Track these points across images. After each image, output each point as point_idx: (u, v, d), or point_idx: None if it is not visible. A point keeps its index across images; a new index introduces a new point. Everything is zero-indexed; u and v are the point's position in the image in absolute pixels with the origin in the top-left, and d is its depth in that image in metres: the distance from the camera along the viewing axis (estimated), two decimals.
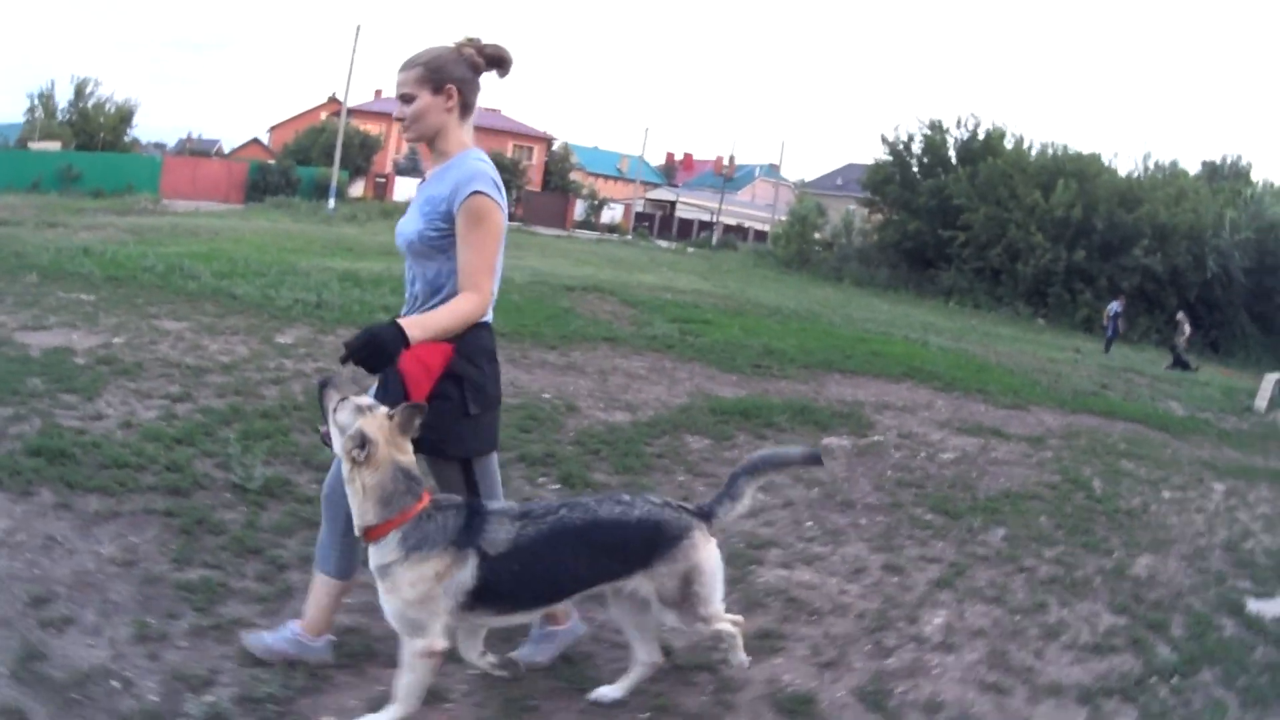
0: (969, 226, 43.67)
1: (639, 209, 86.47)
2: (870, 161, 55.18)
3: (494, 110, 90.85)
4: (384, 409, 3.99)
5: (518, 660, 4.51)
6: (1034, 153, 47.09)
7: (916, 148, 50.54)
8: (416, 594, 3.93)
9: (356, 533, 4.05)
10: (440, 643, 3.97)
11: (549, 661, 4.57)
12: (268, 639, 4.38)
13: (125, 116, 79.37)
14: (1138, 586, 5.95)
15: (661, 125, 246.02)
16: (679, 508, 4.23)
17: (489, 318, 4.27)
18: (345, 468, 3.99)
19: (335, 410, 3.99)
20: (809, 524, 6.39)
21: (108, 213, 35.82)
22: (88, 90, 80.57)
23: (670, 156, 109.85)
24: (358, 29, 65.65)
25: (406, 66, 4.32)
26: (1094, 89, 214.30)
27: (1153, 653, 4.97)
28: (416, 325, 3.98)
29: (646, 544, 4.10)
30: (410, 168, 76.11)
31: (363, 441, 3.87)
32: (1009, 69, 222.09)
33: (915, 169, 49.80)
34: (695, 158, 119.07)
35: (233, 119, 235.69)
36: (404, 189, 71.70)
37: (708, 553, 4.15)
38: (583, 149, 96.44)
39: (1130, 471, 9.43)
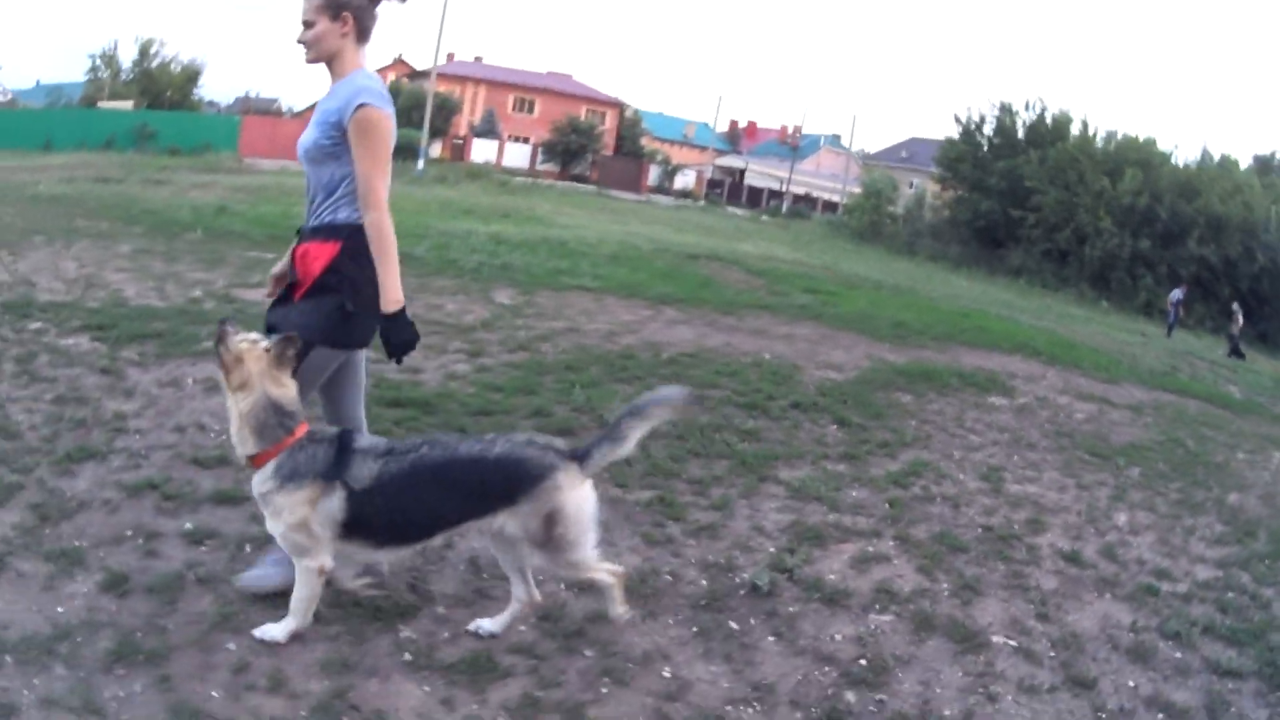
0: (1039, 208, 44.72)
1: (709, 176, 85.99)
2: (935, 136, 56.16)
3: (565, 75, 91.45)
4: (264, 343, 4.35)
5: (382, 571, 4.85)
6: (1099, 139, 47.56)
7: (988, 129, 51.08)
8: (293, 520, 4.24)
9: (240, 459, 4.40)
10: (327, 561, 4.32)
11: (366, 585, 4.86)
12: (258, 573, 4.82)
13: (192, 76, 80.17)
14: (1233, 511, 7.99)
15: (726, 92, 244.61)
16: (546, 447, 4.42)
17: (366, 221, 4.59)
18: (226, 393, 4.38)
19: (222, 345, 4.31)
20: (1015, 458, 8.36)
21: (193, 170, 36.68)
22: (152, 50, 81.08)
23: (734, 124, 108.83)
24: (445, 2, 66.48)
25: None
26: (1150, 79, 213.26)
27: (1251, 548, 6.99)
28: (388, 290, 4.44)
29: (506, 482, 4.29)
30: (486, 130, 77.37)
31: (222, 345, 4.27)
32: (1070, 52, 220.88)
33: (985, 149, 50.34)
34: (759, 126, 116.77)
35: (289, 78, 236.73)
36: (481, 150, 72.69)
37: (574, 494, 4.29)
38: (649, 114, 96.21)
39: (1210, 437, 11.28)
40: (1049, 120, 49.74)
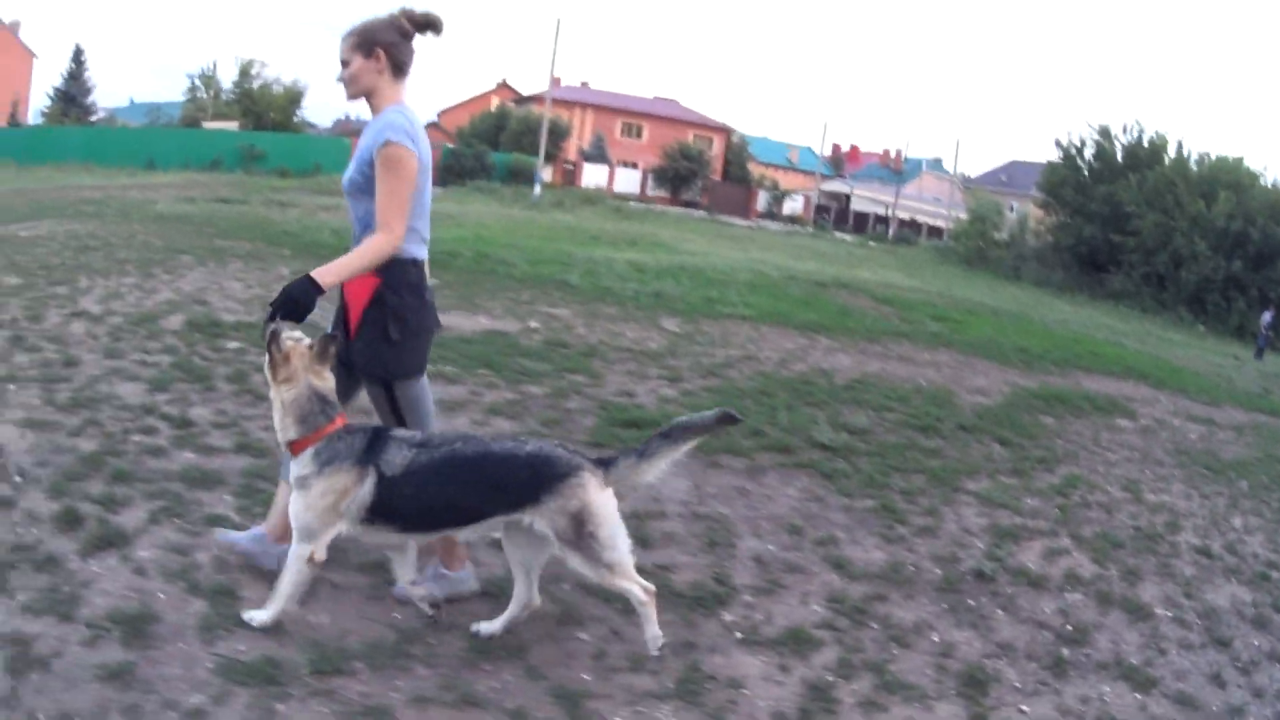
0: (1138, 232, 44.85)
1: (816, 201, 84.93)
2: (1035, 159, 56.51)
3: (672, 100, 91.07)
4: (307, 340, 4.52)
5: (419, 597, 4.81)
6: (1193, 161, 47.59)
7: (1088, 153, 51.34)
8: (325, 504, 4.38)
9: (281, 445, 4.55)
10: (321, 554, 4.44)
11: (432, 603, 4.88)
12: (236, 537, 5.01)
13: (294, 98, 79.63)
14: None
15: (830, 116, 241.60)
16: (574, 451, 4.58)
17: (420, 255, 4.79)
18: (270, 384, 4.54)
19: (274, 344, 4.46)
20: (1147, 472, 9.65)
21: (308, 192, 36.84)
22: (253, 71, 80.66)
23: (837, 148, 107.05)
24: (558, 22, 67.21)
25: (345, 35, 4.83)
26: (1240, 96, 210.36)
27: None
28: (328, 273, 4.49)
29: (534, 477, 4.40)
30: (597, 154, 77.30)
31: (273, 346, 4.44)
32: (1164, 69, 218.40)
33: (1086, 173, 50.61)
34: (861, 150, 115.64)
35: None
36: (591, 175, 72.55)
37: (598, 495, 4.40)
38: (753, 138, 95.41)
39: None
40: (1146, 143, 49.82)
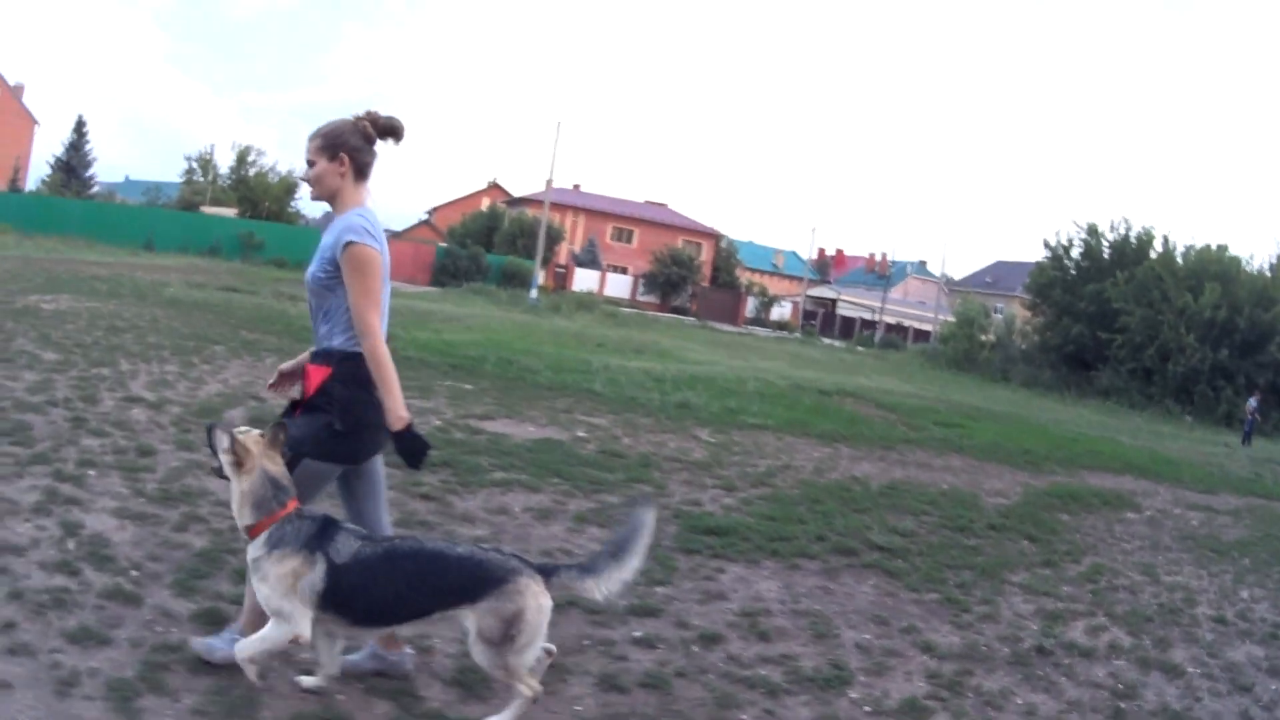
0: (1126, 329, 46.19)
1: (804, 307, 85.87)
2: (1022, 259, 58.03)
3: (662, 204, 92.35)
4: (257, 431, 4.71)
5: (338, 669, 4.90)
6: (1179, 253, 48.52)
7: (1075, 252, 52.43)
8: (279, 586, 4.43)
9: (240, 529, 4.63)
10: (304, 632, 4.48)
11: (366, 671, 5.12)
12: (212, 641, 4.91)
13: (290, 188, 79.40)
14: None
15: (816, 220, 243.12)
16: (511, 555, 4.66)
17: (362, 349, 4.78)
18: (230, 476, 4.61)
19: (221, 441, 4.61)
20: (1160, 558, 10.78)
21: (293, 284, 35.07)
22: (250, 158, 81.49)
23: (822, 252, 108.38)
24: (558, 125, 67.76)
25: (311, 137, 4.95)
26: (1224, 183, 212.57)
27: None
28: (395, 405, 4.69)
29: (468, 579, 4.49)
30: (589, 259, 78.45)
31: (234, 446, 4.56)
32: (1150, 167, 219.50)
33: (1074, 272, 51.60)
34: (847, 254, 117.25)
35: (378, 199, 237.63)
36: (583, 279, 73.48)
37: (535, 602, 4.46)
38: (740, 243, 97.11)
39: None
40: (1133, 239, 51.00)
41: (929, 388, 32.86)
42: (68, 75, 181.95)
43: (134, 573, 5.79)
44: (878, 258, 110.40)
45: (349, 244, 4.73)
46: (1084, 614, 8.19)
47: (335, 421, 4.78)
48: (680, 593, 7.16)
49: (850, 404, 21.88)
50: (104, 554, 5.97)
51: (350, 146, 4.93)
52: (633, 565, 4.67)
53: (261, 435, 4.68)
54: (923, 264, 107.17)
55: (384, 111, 5.06)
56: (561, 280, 72.60)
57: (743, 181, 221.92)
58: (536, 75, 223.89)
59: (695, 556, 8.04)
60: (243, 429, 4.73)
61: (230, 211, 69.16)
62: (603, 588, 4.62)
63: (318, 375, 4.90)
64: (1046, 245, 54.64)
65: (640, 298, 77.31)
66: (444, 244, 73.71)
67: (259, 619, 4.78)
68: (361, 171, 5.01)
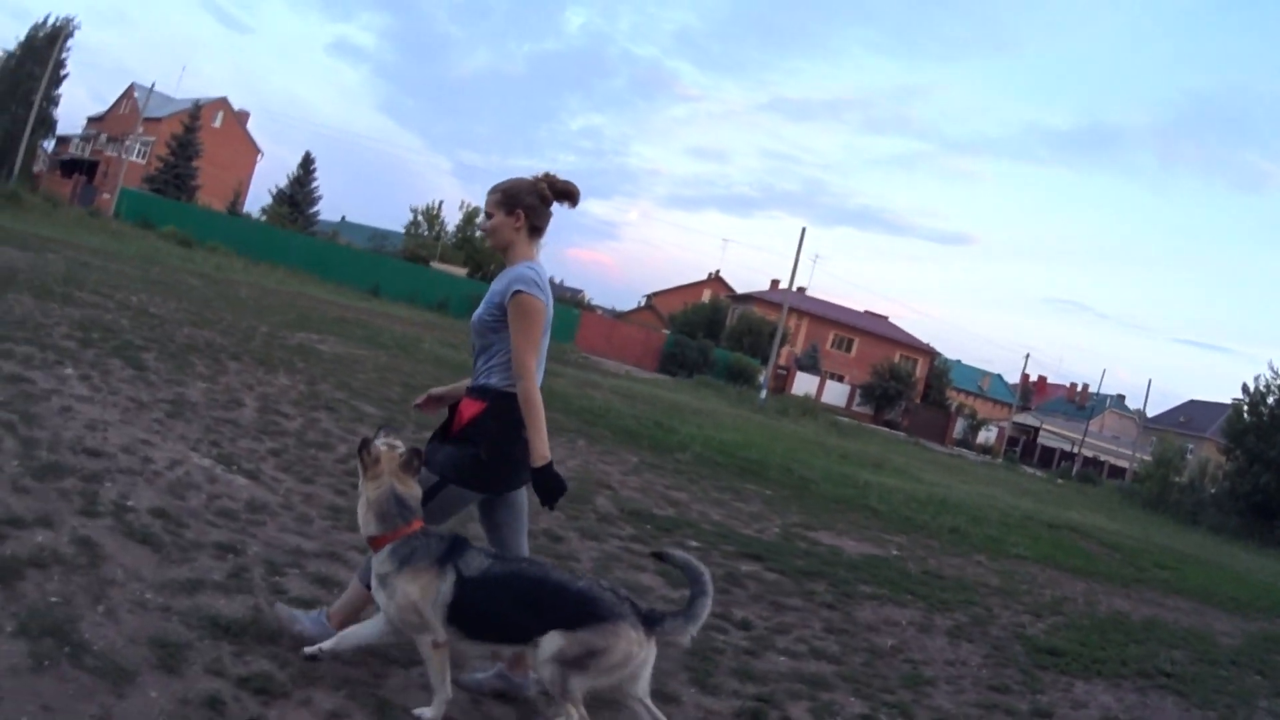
0: None
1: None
2: (1216, 399, 59.71)
3: (883, 317, 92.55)
4: (402, 447, 4.96)
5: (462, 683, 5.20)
6: None
7: (1271, 399, 51.80)
8: (407, 601, 4.64)
9: (364, 538, 4.90)
10: (441, 635, 4.69)
11: (488, 690, 5.37)
12: (299, 614, 5.28)
13: None
14: None
15: (1030, 346, 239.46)
16: (626, 599, 4.81)
17: (516, 389, 5.01)
18: (360, 481, 4.90)
19: (369, 449, 4.90)
20: None
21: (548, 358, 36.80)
22: (478, 220, 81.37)
23: (1025, 378, 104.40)
24: (803, 230, 69.13)
25: (492, 191, 5.18)
26: None
27: None
28: (540, 445, 4.94)
29: (577, 611, 4.63)
30: (809, 364, 78.86)
31: (366, 449, 4.86)
32: None
33: (1267, 419, 51.05)
34: (1049, 381, 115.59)
35: (581, 274, 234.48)
36: (802, 383, 74.25)
37: (625, 646, 4.63)
38: (949, 361, 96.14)
39: None
40: None
41: (1132, 527, 32.54)
42: (282, 111, 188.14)
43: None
44: (1079, 388, 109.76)
45: (517, 292, 5.05)
46: None
47: (482, 453, 5.07)
48: (1053, 701, 8.23)
49: (1077, 539, 22.28)
50: None
51: (526, 204, 5.27)
52: (707, 610, 4.89)
53: (400, 454, 4.97)
54: (1121, 398, 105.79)
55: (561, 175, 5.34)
56: (781, 382, 72.99)
57: (958, 300, 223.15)
58: (764, 174, 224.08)
59: (1048, 672, 9.05)
60: (390, 441, 5.08)
61: (460, 271, 71.20)
62: (694, 629, 4.87)
63: (471, 409, 5.18)
64: (1245, 390, 53.63)
65: (855, 407, 77.70)
66: (668, 331, 75.53)
67: (351, 615, 5.28)
68: (536, 229, 5.33)
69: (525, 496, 5.46)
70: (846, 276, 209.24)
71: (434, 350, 26.36)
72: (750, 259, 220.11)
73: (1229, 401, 56.74)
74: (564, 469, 11.68)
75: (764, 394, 56.19)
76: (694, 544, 10.91)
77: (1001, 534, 18.92)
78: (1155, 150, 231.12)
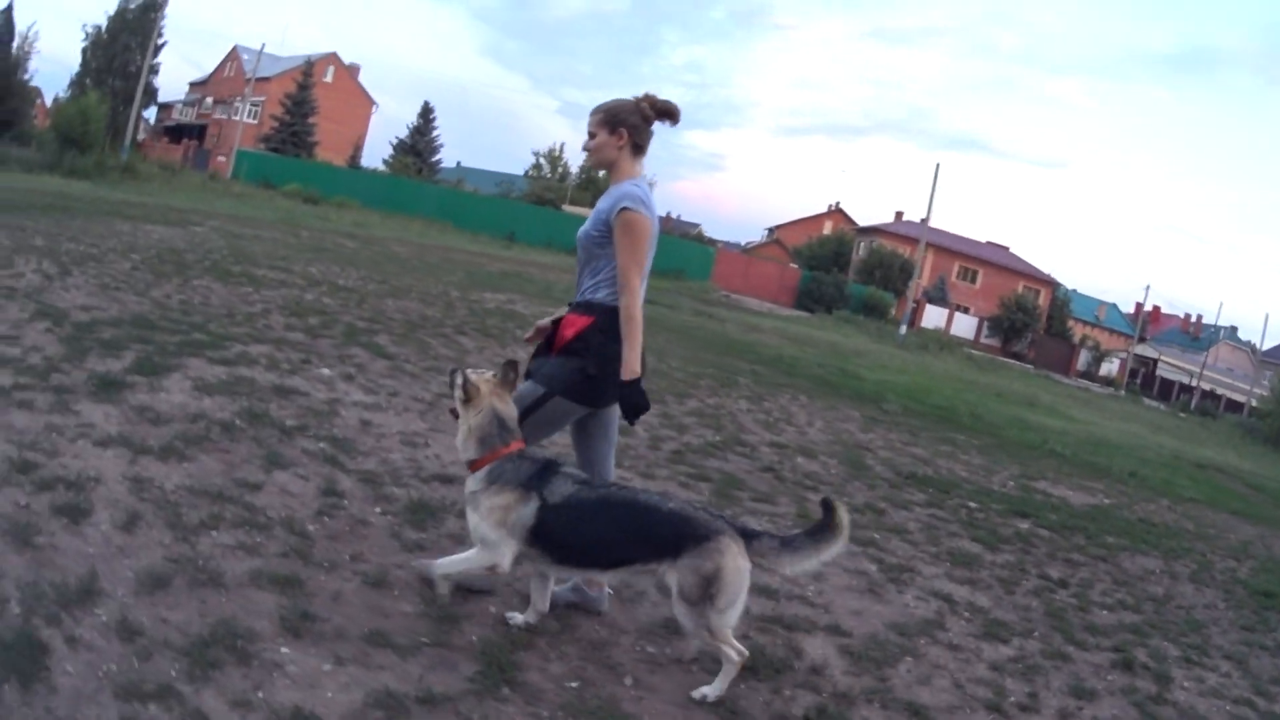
0: None
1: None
2: None
3: (1004, 247, 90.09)
4: (491, 372, 5.00)
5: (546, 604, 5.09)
6: None
7: None
8: (490, 517, 4.67)
9: (463, 462, 4.92)
10: (505, 565, 4.70)
11: (564, 603, 5.33)
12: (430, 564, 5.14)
13: None
14: None
15: (1149, 276, 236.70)
16: (719, 516, 4.71)
17: (620, 304, 5.01)
18: (460, 412, 4.91)
19: (467, 379, 4.87)
20: None
21: (684, 295, 38.96)
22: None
23: (1139, 307, 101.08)
24: (937, 166, 69.31)
25: (594, 111, 5.25)
26: None
27: None
28: (632, 360, 4.91)
29: (674, 534, 4.54)
30: (938, 297, 77.66)
31: (465, 384, 4.84)
32: None
33: None
34: (1163, 310, 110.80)
35: (693, 208, 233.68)
36: (931, 316, 71.94)
37: (734, 563, 4.47)
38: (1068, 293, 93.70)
39: None
40: None
41: (1261, 465, 31.10)
42: (380, 60, 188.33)
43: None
44: (1193, 319, 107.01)
45: (624, 209, 5.02)
46: None
47: (590, 366, 5.01)
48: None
49: (1224, 479, 21.93)
50: None
51: (629, 123, 5.20)
52: (825, 557, 4.69)
53: (493, 376, 4.95)
54: (1234, 330, 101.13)
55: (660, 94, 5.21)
56: (912, 316, 70.16)
57: (1076, 227, 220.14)
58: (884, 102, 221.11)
59: (1272, 612, 8.98)
60: (480, 370, 5.00)
61: (589, 212, 70.72)
62: (796, 566, 4.69)
63: (579, 323, 5.13)
64: None
65: (984, 339, 76.80)
66: (796, 265, 75.60)
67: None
68: (639, 147, 5.28)
69: (616, 414, 5.41)
70: (958, 206, 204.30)
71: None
72: (864, 188, 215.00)
73: None
74: (821, 437, 13.18)
75: (904, 329, 54.80)
76: (972, 504, 10.89)
77: (1169, 476, 18.68)
78: (1260, 71, 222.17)
